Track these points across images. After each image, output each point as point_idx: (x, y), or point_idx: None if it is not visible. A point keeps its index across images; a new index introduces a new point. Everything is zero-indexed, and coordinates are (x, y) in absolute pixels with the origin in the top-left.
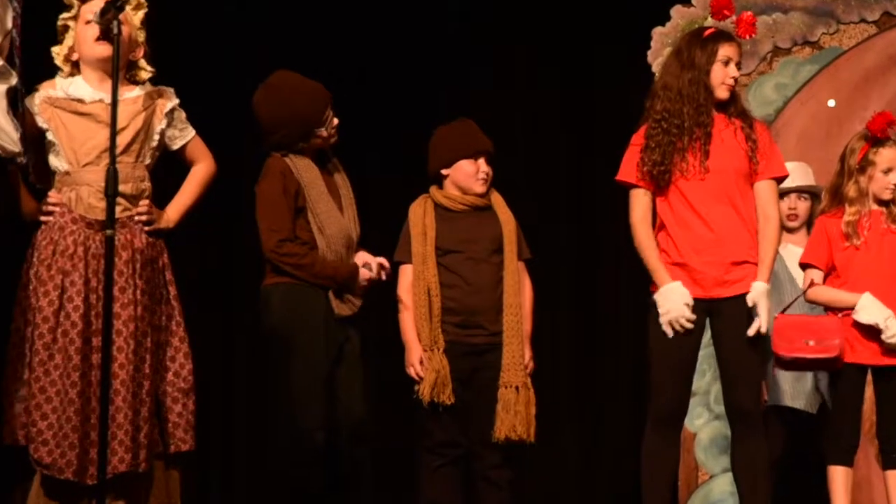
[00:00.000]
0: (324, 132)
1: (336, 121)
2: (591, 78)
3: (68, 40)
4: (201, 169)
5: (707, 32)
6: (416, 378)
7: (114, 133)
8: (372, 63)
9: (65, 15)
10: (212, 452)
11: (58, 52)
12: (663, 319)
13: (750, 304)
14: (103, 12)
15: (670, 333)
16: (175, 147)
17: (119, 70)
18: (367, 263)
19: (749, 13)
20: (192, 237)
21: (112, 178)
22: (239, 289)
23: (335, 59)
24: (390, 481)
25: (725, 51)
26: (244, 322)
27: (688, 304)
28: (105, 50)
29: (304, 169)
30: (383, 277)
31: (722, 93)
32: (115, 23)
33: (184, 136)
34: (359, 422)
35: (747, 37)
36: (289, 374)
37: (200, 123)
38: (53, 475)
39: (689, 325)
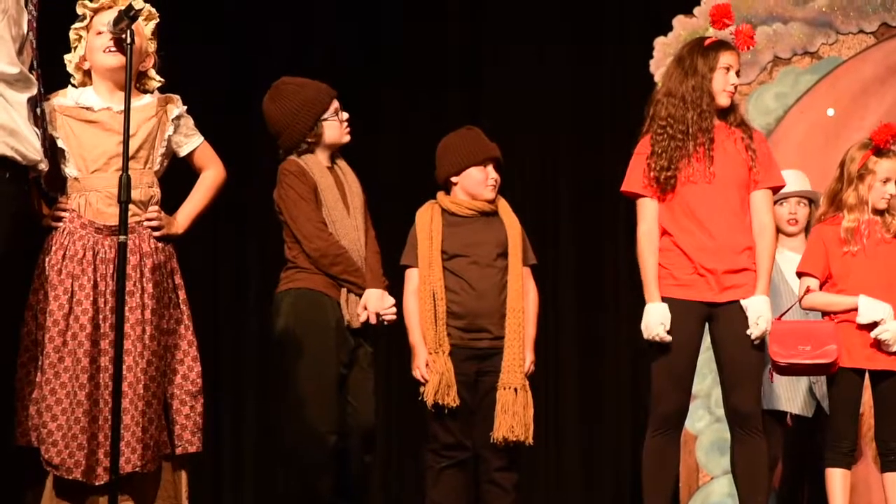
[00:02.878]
0: (336, 124)
1: (346, 115)
2: (596, 84)
3: (80, 49)
4: (210, 175)
5: (708, 41)
6: (422, 381)
7: (126, 140)
8: (375, 65)
9: (77, 25)
10: (222, 454)
11: (69, 60)
12: (644, 335)
13: (754, 317)
14: (116, 22)
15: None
16: (183, 153)
17: (130, 79)
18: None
19: (748, 25)
20: (204, 242)
21: (125, 185)
22: (249, 292)
23: (340, 63)
24: (397, 483)
25: (726, 59)
26: (254, 325)
27: (664, 324)
28: (115, 59)
29: (319, 173)
30: (382, 320)
31: (723, 100)
32: (127, 32)
33: (191, 142)
34: (368, 428)
35: (745, 49)
36: (300, 377)
37: (211, 131)
38: (62, 475)
39: (666, 342)
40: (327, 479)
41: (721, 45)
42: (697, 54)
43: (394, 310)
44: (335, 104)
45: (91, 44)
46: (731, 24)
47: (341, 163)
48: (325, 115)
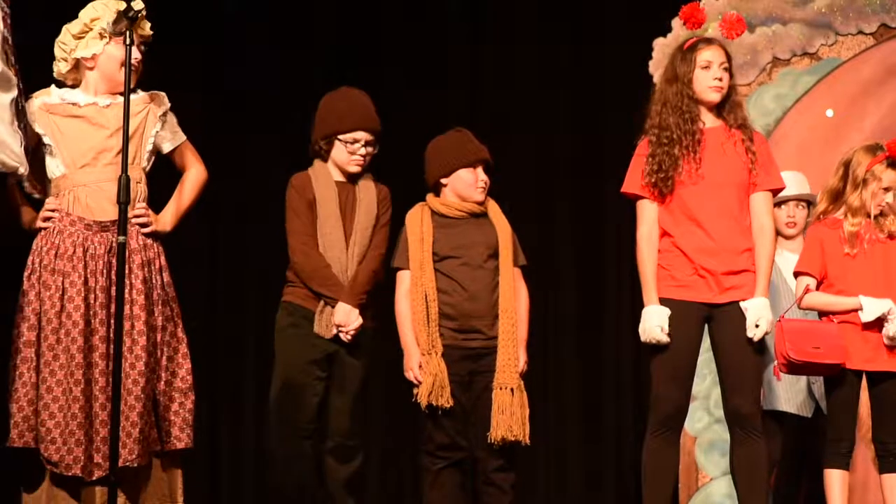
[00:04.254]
0: (346, 147)
1: (363, 151)
2: (597, 84)
3: (94, 47)
4: (193, 174)
5: (687, 43)
6: (415, 382)
7: (126, 141)
8: (370, 66)
9: (105, 26)
10: (220, 454)
11: (71, 49)
12: (641, 338)
13: (753, 319)
14: (115, 22)
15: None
16: (166, 150)
17: (130, 81)
18: (340, 326)
19: (733, 13)
20: (203, 239)
21: (124, 186)
22: (247, 291)
23: (338, 64)
24: (395, 484)
25: (703, 56)
26: (252, 324)
27: (661, 327)
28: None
29: (323, 183)
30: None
31: (710, 96)
32: (126, 33)
33: (175, 139)
34: (339, 443)
35: (735, 36)
36: (274, 384)
37: (211, 138)
38: (62, 472)
39: (665, 341)
40: (293, 479)
41: (698, 43)
42: (677, 58)
43: (353, 331)
44: (361, 135)
45: (113, 53)
46: (704, 22)
47: (364, 181)
48: (342, 137)
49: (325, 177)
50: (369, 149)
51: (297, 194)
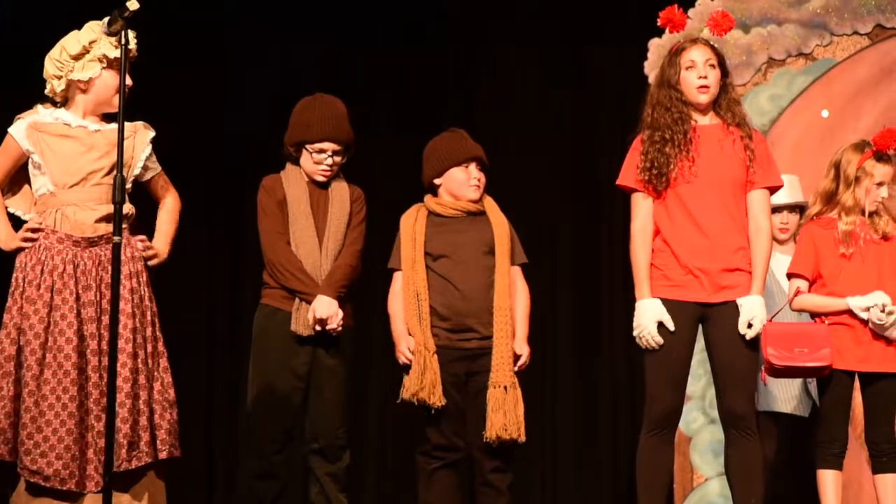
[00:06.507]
0: (312, 157)
1: (330, 161)
2: (596, 83)
3: (91, 71)
4: (171, 201)
5: (675, 46)
6: (407, 361)
7: (121, 142)
8: (367, 68)
9: (107, 51)
10: (215, 464)
11: (70, 70)
12: (635, 333)
13: (747, 317)
14: (110, 23)
15: (643, 345)
16: (146, 178)
17: (125, 80)
18: (318, 318)
19: (721, 11)
20: (199, 249)
21: (119, 186)
22: (245, 301)
23: (336, 66)
24: (392, 484)
25: (688, 56)
26: (248, 334)
27: (659, 322)
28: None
29: (294, 184)
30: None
31: (698, 98)
32: (122, 32)
33: (154, 169)
34: (327, 442)
35: (723, 33)
36: (249, 391)
37: (207, 146)
38: (54, 486)
39: (656, 343)
40: (268, 487)
41: (683, 44)
42: (666, 62)
43: (339, 322)
44: (328, 145)
45: (108, 80)
46: (685, 23)
47: (337, 182)
48: (309, 146)
49: (296, 178)
50: (337, 158)
51: (267, 194)
